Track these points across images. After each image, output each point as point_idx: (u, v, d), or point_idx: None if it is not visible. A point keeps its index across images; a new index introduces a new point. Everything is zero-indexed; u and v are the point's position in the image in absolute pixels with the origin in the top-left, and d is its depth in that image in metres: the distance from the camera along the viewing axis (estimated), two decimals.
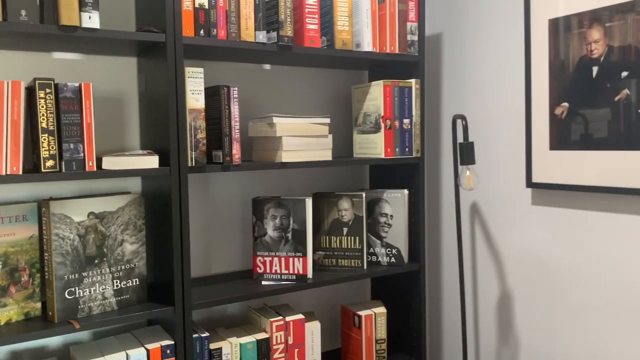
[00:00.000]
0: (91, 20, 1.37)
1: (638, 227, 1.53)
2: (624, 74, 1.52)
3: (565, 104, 1.67)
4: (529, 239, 1.82)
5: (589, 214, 1.65)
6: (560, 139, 1.68)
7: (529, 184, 1.78)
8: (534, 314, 1.82)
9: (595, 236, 1.64)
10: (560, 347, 1.75)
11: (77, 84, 1.38)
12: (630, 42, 1.50)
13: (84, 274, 1.46)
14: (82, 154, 1.39)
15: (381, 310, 1.92)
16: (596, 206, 1.63)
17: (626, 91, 1.51)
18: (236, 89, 1.58)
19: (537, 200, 1.79)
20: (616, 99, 1.54)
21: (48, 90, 1.35)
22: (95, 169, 1.41)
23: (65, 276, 1.42)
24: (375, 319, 1.90)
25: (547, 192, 1.76)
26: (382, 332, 1.91)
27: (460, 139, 2.01)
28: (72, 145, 1.38)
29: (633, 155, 1.51)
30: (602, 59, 1.57)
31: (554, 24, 1.68)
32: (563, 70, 1.67)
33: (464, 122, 1.77)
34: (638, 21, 1.48)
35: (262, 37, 1.61)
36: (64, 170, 1.37)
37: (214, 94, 1.60)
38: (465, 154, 1.75)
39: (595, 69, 1.59)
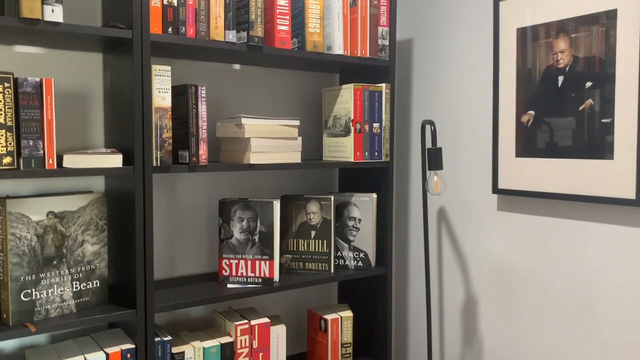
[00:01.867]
0: (54, 13, 1.33)
1: (599, 234, 1.57)
2: (588, 84, 1.55)
3: (532, 112, 1.70)
4: (494, 244, 1.85)
5: (552, 221, 1.68)
6: (526, 147, 1.71)
7: (495, 190, 1.80)
8: (497, 318, 1.85)
9: (557, 242, 1.67)
10: (521, 351, 1.77)
11: (37, 79, 1.34)
12: (595, 54, 1.53)
13: (42, 275, 1.41)
14: (41, 152, 1.34)
15: (347, 314, 1.91)
16: (559, 213, 1.66)
17: (590, 101, 1.55)
18: (204, 88, 1.56)
19: (503, 206, 1.82)
20: (580, 108, 1.57)
21: (7, 85, 1.30)
22: (55, 167, 1.37)
23: (22, 277, 1.37)
24: (341, 322, 1.89)
25: (512, 199, 1.79)
26: (348, 335, 1.90)
27: (428, 145, 2.02)
28: (31, 142, 1.33)
29: (595, 163, 1.54)
30: (567, 68, 1.60)
31: (522, 32, 1.71)
32: (530, 78, 1.70)
33: (432, 128, 1.78)
34: (602, 33, 1.51)
35: (231, 36, 1.59)
36: (22, 167, 1.32)
37: (181, 93, 1.57)
38: (433, 159, 1.76)
39: (560, 79, 1.62)
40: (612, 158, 1.50)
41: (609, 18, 1.49)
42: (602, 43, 1.51)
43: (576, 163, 1.58)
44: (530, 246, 1.74)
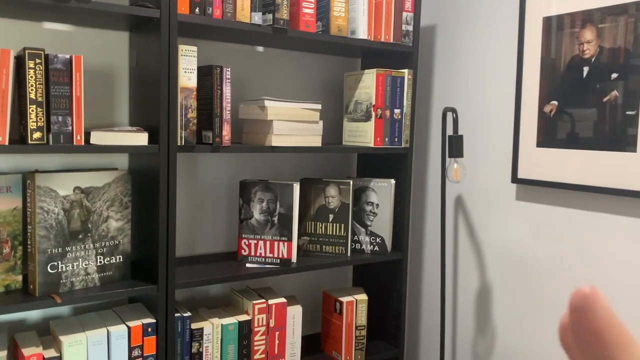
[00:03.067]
0: None
1: (617, 226, 1.57)
2: (614, 75, 1.54)
3: (555, 102, 1.69)
4: (512, 234, 1.85)
5: (571, 212, 1.68)
6: (548, 137, 1.71)
7: (514, 179, 1.80)
8: (511, 307, 1.86)
9: (575, 234, 1.67)
10: (534, 341, 1.79)
11: (68, 56, 1.36)
12: (621, 45, 1.52)
13: (68, 248, 1.44)
14: (70, 127, 1.37)
15: (362, 297, 1.94)
16: (578, 204, 1.66)
17: (615, 93, 1.54)
18: (229, 69, 1.57)
19: (522, 196, 1.82)
20: (604, 100, 1.56)
21: (38, 61, 1.32)
22: (83, 143, 1.39)
23: (49, 250, 1.41)
24: (356, 305, 1.92)
25: (532, 188, 1.79)
26: (362, 318, 1.93)
27: (449, 132, 2.02)
28: (60, 118, 1.36)
29: (616, 156, 1.53)
30: (593, 59, 1.59)
31: (548, 22, 1.70)
32: (554, 68, 1.69)
33: (454, 115, 1.78)
34: (629, 24, 1.50)
35: (257, 18, 1.59)
36: (51, 143, 1.35)
37: (206, 74, 1.59)
38: (454, 146, 1.77)
39: (585, 69, 1.61)
40: (634, 151, 1.50)
41: (639, 9, 1.48)
42: (630, 34, 1.50)
43: (598, 155, 1.58)
44: (547, 237, 1.74)
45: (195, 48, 1.51)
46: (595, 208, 1.62)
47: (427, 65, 2.15)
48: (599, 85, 1.57)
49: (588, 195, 1.64)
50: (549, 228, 1.74)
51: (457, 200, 2.04)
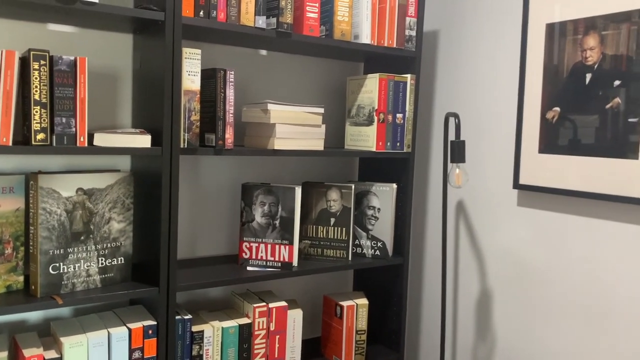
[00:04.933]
0: None
1: (618, 233, 1.57)
2: (617, 82, 1.54)
3: (557, 109, 1.69)
4: (512, 239, 1.85)
5: (572, 218, 1.68)
6: (549, 143, 1.71)
7: (516, 185, 1.80)
8: (512, 312, 1.86)
9: (576, 240, 1.67)
10: (535, 347, 1.79)
11: (72, 58, 1.36)
12: (624, 52, 1.52)
13: (69, 249, 1.44)
14: (74, 129, 1.37)
15: (363, 301, 1.94)
16: (579, 211, 1.66)
17: (617, 100, 1.54)
18: (233, 72, 1.58)
19: (523, 202, 1.82)
20: (607, 106, 1.56)
21: (43, 62, 1.33)
22: (86, 144, 1.40)
23: (50, 251, 1.41)
24: (356, 309, 1.92)
25: (533, 194, 1.79)
26: (362, 323, 1.93)
27: (451, 137, 2.03)
28: (64, 120, 1.36)
29: (619, 163, 1.54)
30: (595, 66, 1.59)
31: (551, 28, 1.70)
32: (557, 74, 1.69)
33: (456, 120, 1.78)
34: (632, 31, 1.50)
35: (261, 22, 1.60)
36: (54, 144, 1.35)
37: (210, 77, 1.59)
38: (456, 152, 1.77)
39: (588, 76, 1.61)
40: (636, 158, 1.50)
41: None
42: (632, 41, 1.50)
43: (600, 161, 1.58)
44: (548, 243, 1.74)
45: (199, 51, 1.52)
46: (596, 215, 1.62)
47: (429, 70, 2.15)
48: (602, 92, 1.58)
49: (589, 201, 1.64)
50: (550, 234, 1.74)
51: (458, 206, 2.04)
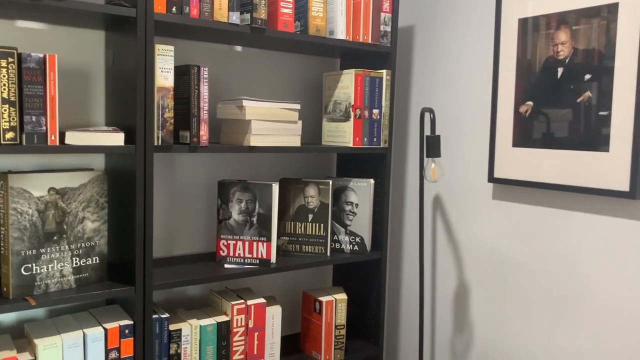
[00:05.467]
0: None
1: (592, 225, 1.60)
2: (587, 76, 1.57)
3: (530, 103, 1.71)
4: (488, 233, 1.87)
5: (546, 211, 1.70)
6: (523, 137, 1.73)
7: (491, 178, 1.82)
8: (489, 305, 1.88)
9: (550, 232, 1.70)
10: (511, 338, 1.81)
11: (41, 55, 1.34)
12: (595, 46, 1.55)
13: (42, 250, 1.42)
14: (44, 127, 1.35)
15: (342, 296, 1.94)
16: (553, 203, 1.69)
17: (588, 93, 1.57)
18: (206, 69, 1.56)
19: (498, 195, 1.84)
20: (578, 100, 1.59)
21: (11, 60, 1.30)
22: (57, 143, 1.37)
23: (22, 252, 1.39)
24: (335, 305, 1.92)
25: (508, 188, 1.81)
26: (342, 318, 1.94)
27: (427, 132, 2.04)
28: (34, 118, 1.34)
29: (591, 155, 1.56)
30: (567, 60, 1.61)
31: (524, 23, 1.72)
32: (529, 69, 1.71)
33: (431, 116, 1.79)
34: (602, 26, 1.53)
35: (235, 18, 1.59)
36: (24, 143, 1.33)
37: (183, 73, 1.58)
38: (431, 147, 1.78)
39: (560, 70, 1.63)
40: (607, 150, 1.52)
41: (610, 11, 1.51)
42: (603, 36, 1.53)
43: (572, 154, 1.61)
44: (523, 235, 1.77)
45: (172, 47, 1.50)
46: (569, 207, 1.65)
47: (405, 65, 2.16)
48: (573, 86, 1.60)
49: (563, 194, 1.67)
50: (524, 226, 1.76)
51: (435, 200, 2.06)
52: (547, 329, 1.71)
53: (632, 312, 1.51)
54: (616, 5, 1.49)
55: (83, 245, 1.50)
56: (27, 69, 1.32)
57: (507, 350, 1.83)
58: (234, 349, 1.72)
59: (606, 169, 1.53)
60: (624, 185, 1.49)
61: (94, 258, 1.52)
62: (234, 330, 1.71)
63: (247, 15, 1.62)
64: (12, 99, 1.31)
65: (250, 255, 1.76)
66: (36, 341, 1.40)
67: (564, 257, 1.66)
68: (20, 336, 1.59)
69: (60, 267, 1.46)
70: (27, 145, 1.32)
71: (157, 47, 1.48)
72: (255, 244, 1.76)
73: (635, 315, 1.50)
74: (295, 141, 1.78)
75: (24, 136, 1.32)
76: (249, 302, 1.74)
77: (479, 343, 1.92)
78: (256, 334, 1.75)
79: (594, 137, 1.55)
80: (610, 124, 1.52)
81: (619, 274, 1.54)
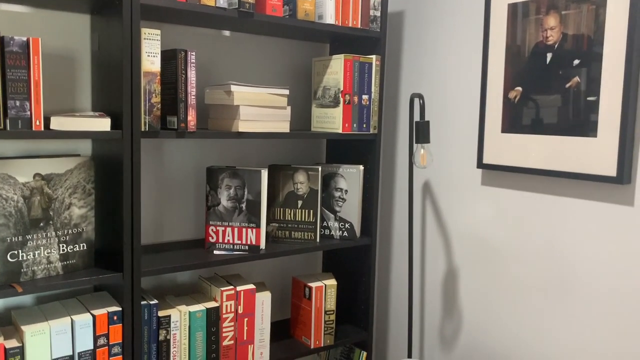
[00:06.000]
0: None
1: (580, 210, 1.61)
2: (576, 62, 1.57)
3: (519, 88, 1.71)
4: (477, 218, 1.88)
5: (535, 196, 1.71)
6: (512, 123, 1.73)
7: (480, 164, 1.82)
8: (477, 290, 1.89)
9: (539, 217, 1.70)
10: (499, 323, 1.83)
11: (24, 39, 1.31)
12: (584, 32, 1.54)
13: (28, 236, 1.41)
14: (28, 113, 1.33)
15: (331, 282, 1.95)
16: (542, 189, 1.70)
17: (577, 79, 1.57)
18: (194, 53, 1.55)
19: (487, 181, 1.85)
20: (567, 85, 1.59)
21: None
22: (42, 128, 1.36)
23: (8, 238, 1.37)
24: (325, 290, 1.93)
25: (497, 174, 1.82)
26: (331, 303, 1.94)
27: (416, 118, 2.04)
28: (17, 103, 1.31)
29: (579, 141, 1.57)
30: (556, 46, 1.61)
31: (513, 8, 1.71)
32: (519, 54, 1.71)
33: (421, 101, 1.79)
34: (591, 11, 1.52)
35: (222, 1, 1.57)
36: (8, 128, 1.31)
37: (170, 58, 1.56)
38: (420, 132, 1.78)
39: (549, 55, 1.63)
40: (595, 136, 1.53)
41: None
42: (592, 21, 1.53)
43: (560, 140, 1.61)
44: (512, 221, 1.78)
45: (158, 31, 1.48)
46: (558, 192, 1.66)
47: (395, 51, 2.15)
48: (562, 71, 1.60)
49: (551, 179, 1.67)
50: (513, 212, 1.77)
51: (424, 186, 2.06)
52: (535, 313, 1.73)
53: (620, 296, 1.52)
54: None
55: (70, 231, 1.49)
56: (10, 52, 1.30)
57: (496, 335, 1.84)
58: (224, 334, 1.72)
59: (594, 154, 1.53)
60: (611, 170, 1.50)
61: (81, 245, 1.51)
62: (224, 316, 1.71)
63: None
64: None
65: (239, 242, 1.76)
66: (23, 328, 1.39)
67: (552, 242, 1.68)
68: (7, 323, 1.58)
69: (47, 253, 1.45)
70: (11, 131, 1.31)
71: (143, 31, 1.46)
72: (244, 230, 1.75)
73: (623, 299, 1.52)
74: (284, 127, 1.77)
75: (7, 121, 1.31)
76: (239, 288, 1.74)
77: (468, 328, 1.94)
78: (246, 319, 1.76)
79: (582, 123, 1.56)
80: (598, 110, 1.52)
81: (607, 258, 1.55)
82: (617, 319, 1.53)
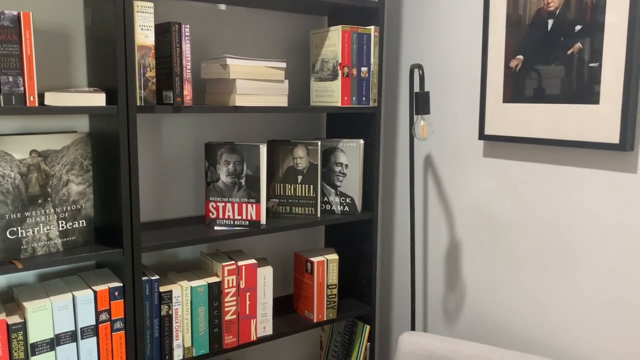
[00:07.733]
0: None
1: (583, 178, 1.59)
2: (578, 27, 1.53)
3: (520, 57, 1.68)
4: (479, 190, 1.87)
5: (537, 166, 1.69)
6: (514, 92, 1.70)
7: (482, 136, 1.80)
8: (480, 262, 1.89)
9: (541, 187, 1.69)
10: (502, 295, 1.82)
11: (15, 13, 1.30)
12: None
13: (27, 213, 1.41)
14: (22, 88, 1.32)
15: (333, 256, 1.95)
16: (544, 158, 1.67)
17: (579, 45, 1.53)
18: (188, 26, 1.52)
19: (489, 153, 1.83)
20: (569, 52, 1.56)
21: None
22: (37, 104, 1.35)
23: (7, 215, 1.37)
24: (327, 265, 1.92)
25: (499, 145, 1.80)
26: (333, 277, 1.94)
27: (417, 89, 2.01)
28: (10, 78, 1.30)
29: (582, 108, 1.54)
30: (557, 12, 1.58)
31: None
32: (520, 22, 1.67)
33: (420, 72, 1.76)
34: None
35: None
36: (2, 104, 1.30)
37: (164, 31, 1.54)
38: (420, 103, 1.76)
39: (550, 22, 1.60)
40: (597, 102, 1.50)
41: None
42: None
43: (563, 108, 1.59)
44: (514, 192, 1.76)
45: (151, 4, 1.46)
46: (560, 161, 1.64)
47: (394, 21, 2.11)
48: (563, 38, 1.57)
49: (554, 149, 1.65)
50: (516, 183, 1.75)
51: (426, 158, 2.04)
52: (538, 284, 1.72)
53: (623, 265, 1.51)
54: None
55: (69, 208, 1.49)
56: (1, 27, 1.28)
57: (499, 307, 1.84)
58: (226, 309, 1.72)
59: (596, 121, 1.51)
60: (614, 137, 1.48)
61: (80, 221, 1.51)
62: (225, 291, 1.72)
63: None
64: None
65: (239, 217, 1.75)
66: (25, 304, 1.40)
67: (554, 211, 1.66)
68: (9, 300, 1.59)
69: (47, 230, 1.45)
70: (5, 107, 1.30)
71: (135, 3, 1.44)
72: (244, 205, 1.75)
73: (626, 268, 1.51)
74: (282, 101, 1.75)
75: (1, 97, 1.29)
76: (240, 263, 1.74)
77: (471, 300, 1.93)
78: (248, 294, 1.76)
79: (584, 90, 1.53)
80: (600, 76, 1.49)
81: (610, 226, 1.53)
82: (621, 287, 1.52)
